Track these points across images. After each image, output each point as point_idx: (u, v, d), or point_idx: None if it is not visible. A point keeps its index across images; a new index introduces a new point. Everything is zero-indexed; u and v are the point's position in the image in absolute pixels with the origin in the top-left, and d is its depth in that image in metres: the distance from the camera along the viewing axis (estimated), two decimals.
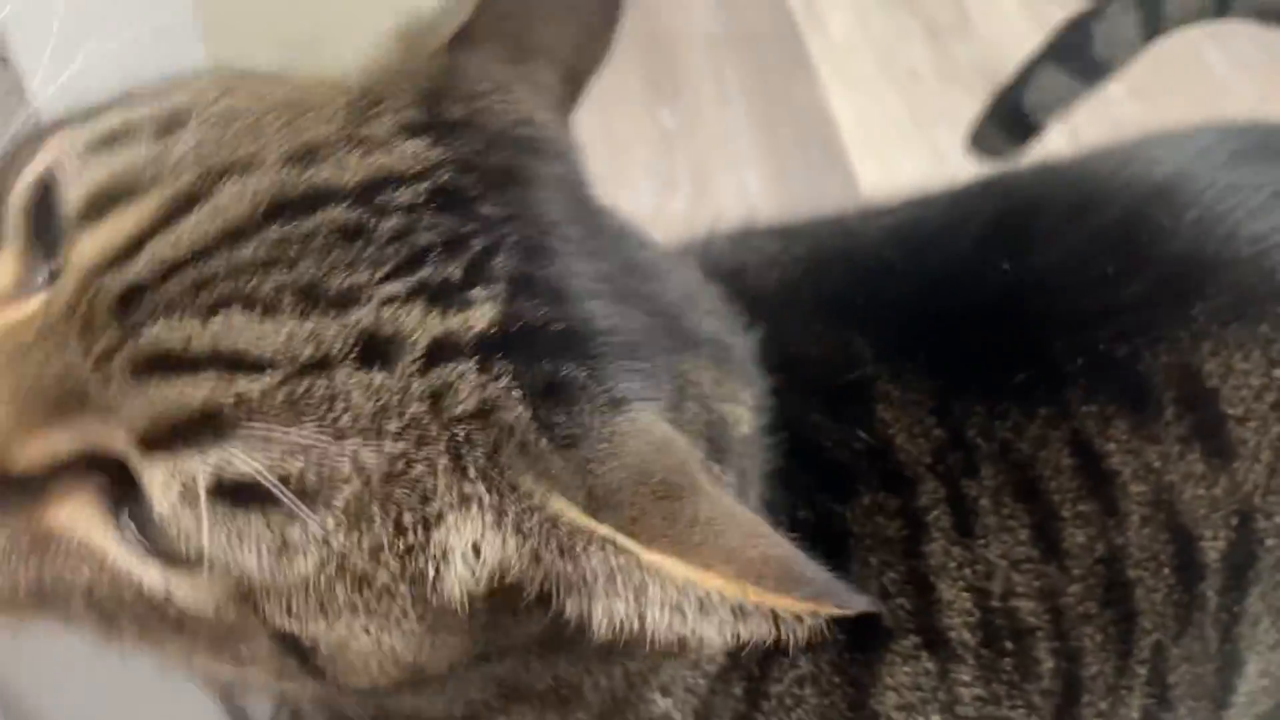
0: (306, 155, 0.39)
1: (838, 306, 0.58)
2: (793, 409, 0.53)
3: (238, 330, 0.36)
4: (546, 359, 0.39)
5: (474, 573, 0.39)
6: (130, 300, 0.36)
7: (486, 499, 0.38)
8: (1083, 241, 0.61)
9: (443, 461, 0.37)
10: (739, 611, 0.37)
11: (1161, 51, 1.78)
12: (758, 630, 0.37)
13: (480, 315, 0.39)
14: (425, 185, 0.40)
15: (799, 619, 0.37)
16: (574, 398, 0.39)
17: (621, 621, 0.38)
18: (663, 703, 0.52)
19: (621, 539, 0.37)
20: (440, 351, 0.38)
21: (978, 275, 0.61)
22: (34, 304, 0.38)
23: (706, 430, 0.45)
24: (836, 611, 0.37)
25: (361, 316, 0.37)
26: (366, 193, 0.39)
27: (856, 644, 0.56)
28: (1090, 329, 0.58)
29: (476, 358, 0.38)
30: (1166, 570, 0.58)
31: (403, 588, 0.38)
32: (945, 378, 0.58)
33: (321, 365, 0.36)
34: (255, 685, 0.45)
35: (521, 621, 0.41)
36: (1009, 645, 0.57)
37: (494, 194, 0.42)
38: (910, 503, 0.56)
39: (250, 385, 0.35)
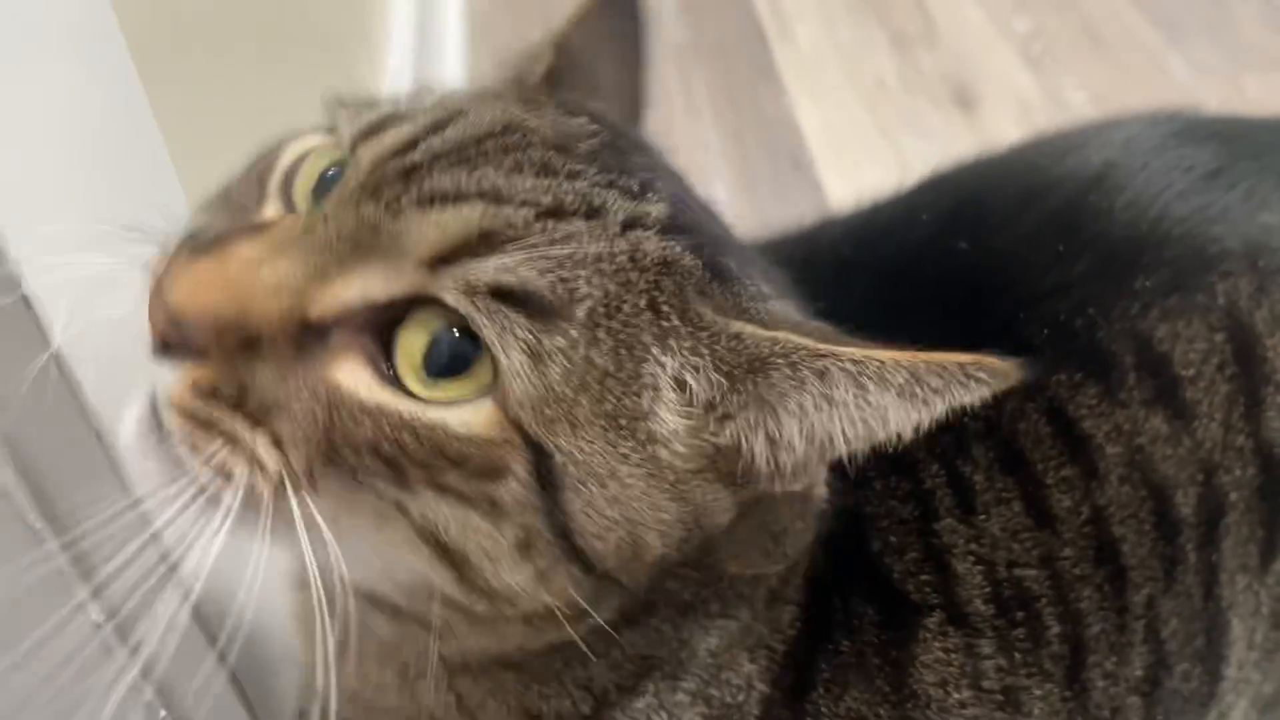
0: (511, 110, 0.50)
1: (820, 314, 0.60)
2: None
3: (494, 179, 0.46)
4: (707, 247, 0.49)
5: (681, 407, 0.46)
6: (410, 174, 0.46)
7: (681, 331, 0.46)
8: (1032, 227, 0.65)
9: (643, 302, 0.46)
10: (915, 376, 0.43)
11: (1123, 58, 1.80)
12: (935, 389, 0.43)
13: (655, 209, 0.48)
14: (595, 140, 0.50)
15: (966, 374, 0.43)
16: (732, 280, 0.48)
17: (811, 431, 0.46)
18: (748, 666, 0.57)
19: (799, 338, 0.45)
20: (633, 223, 0.47)
21: (938, 263, 0.65)
22: (296, 219, 0.47)
23: None
24: (988, 360, 0.43)
25: (581, 188, 0.47)
26: (560, 137, 0.50)
27: (891, 623, 0.59)
28: (1049, 302, 0.62)
29: (657, 230, 0.47)
30: (1147, 526, 0.61)
31: (623, 421, 0.45)
32: None
33: (558, 213, 0.46)
34: (491, 575, 0.48)
35: (715, 504, 0.48)
36: (1019, 614, 0.60)
37: (638, 155, 0.53)
38: (918, 486, 0.60)
39: (514, 214, 0.45)
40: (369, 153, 0.48)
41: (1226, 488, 0.61)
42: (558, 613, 0.48)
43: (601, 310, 0.45)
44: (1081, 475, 0.60)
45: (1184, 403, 0.61)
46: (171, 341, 0.43)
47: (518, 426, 0.44)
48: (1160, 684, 0.63)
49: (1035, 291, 0.62)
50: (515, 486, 0.45)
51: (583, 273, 0.45)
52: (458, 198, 0.45)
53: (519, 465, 0.44)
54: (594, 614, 0.48)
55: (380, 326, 0.44)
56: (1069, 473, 0.60)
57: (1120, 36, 1.84)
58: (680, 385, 0.46)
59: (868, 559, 0.60)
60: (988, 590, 0.60)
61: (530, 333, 0.43)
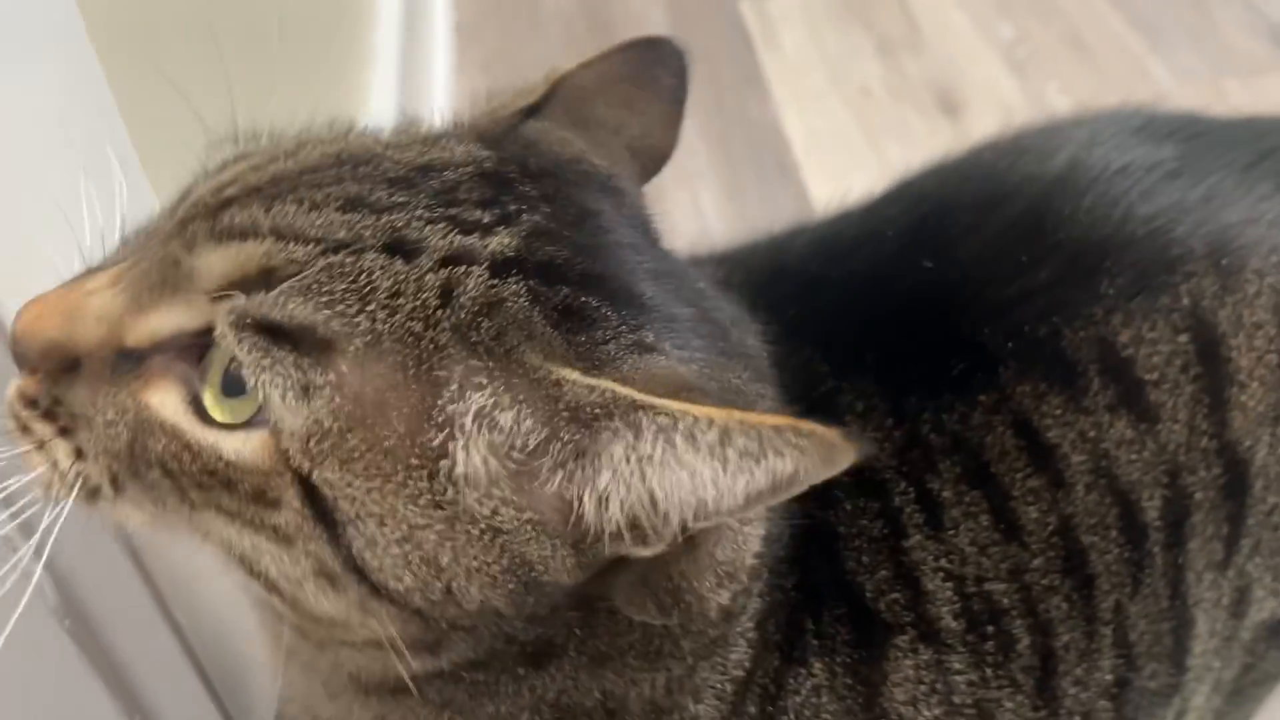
0: (376, 144, 0.50)
1: (789, 328, 0.59)
2: None
3: (289, 215, 0.45)
4: (566, 288, 0.45)
5: (499, 451, 0.44)
6: (217, 211, 0.47)
7: (495, 372, 0.43)
8: (995, 235, 0.64)
9: (446, 339, 0.44)
10: (725, 436, 0.40)
11: (1105, 64, 1.81)
12: (748, 452, 0.40)
13: (497, 242, 0.46)
14: (470, 169, 0.49)
15: (782, 439, 0.40)
16: (594, 324, 0.45)
17: (630, 487, 0.43)
18: (694, 708, 0.55)
19: (618, 389, 0.42)
20: (455, 259, 0.45)
21: (904, 278, 0.65)
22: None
23: None
24: (807, 425, 0.40)
25: (393, 222, 0.45)
26: (421, 168, 0.48)
27: (862, 642, 0.59)
28: (1013, 313, 0.62)
29: (488, 267, 0.45)
30: (1114, 532, 0.61)
31: (414, 460, 0.44)
32: (893, 380, 0.61)
33: (350, 247, 0.44)
34: (298, 596, 0.48)
35: (553, 562, 0.45)
36: (989, 628, 0.60)
37: (534, 181, 0.49)
38: (888, 504, 0.60)
39: (299, 250, 0.44)
40: (199, 190, 0.49)
41: (1192, 488, 0.61)
42: (398, 645, 0.47)
43: (388, 346, 0.43)
44: (1048, 485, 0.60)
45: (1148, 406, 0.61)
46: (15, 357, 0.48)
47: (285, 458, 0.44)
48: (1129, 685, 0.63)
49: (1000, 302, 0.62)
50: (292, 516, 0.45)
51: (368, 308, 0.43)
52: (247, 234, 0.45)
53: (290, 496, 0.44)
54: (410, 653, 0.48)
55: (199, 353, 0.46)
56: (1035, 483, 0.60)
57: (1103, 41, 1.85)
58: (494, 427, 0.43)
59: (841, 579, 0.59)
60: (958, 605, 0.59)
61: (297, 368, 0.43)
